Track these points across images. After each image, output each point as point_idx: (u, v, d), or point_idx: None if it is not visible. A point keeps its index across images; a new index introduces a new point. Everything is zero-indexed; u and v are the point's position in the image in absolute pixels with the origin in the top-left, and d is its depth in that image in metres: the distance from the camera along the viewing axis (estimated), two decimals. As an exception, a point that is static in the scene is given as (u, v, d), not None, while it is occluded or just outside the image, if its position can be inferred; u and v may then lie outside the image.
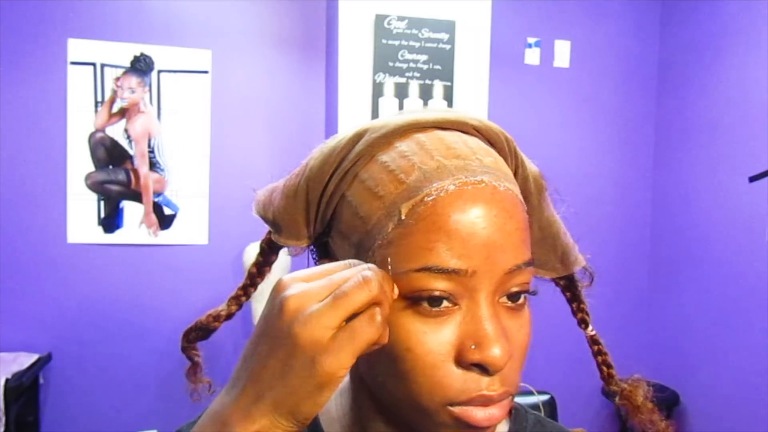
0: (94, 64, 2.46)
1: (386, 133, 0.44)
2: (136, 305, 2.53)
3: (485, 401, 0.40)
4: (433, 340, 0.40)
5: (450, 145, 0.43)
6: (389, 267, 0.40)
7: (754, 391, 2.38)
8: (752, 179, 2.31)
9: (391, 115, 0.48)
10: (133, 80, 2.49)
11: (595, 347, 0.56)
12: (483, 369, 0.39)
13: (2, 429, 2.04)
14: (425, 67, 2.12)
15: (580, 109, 2.98)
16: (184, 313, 2.57)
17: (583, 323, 0.55)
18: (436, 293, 0.39)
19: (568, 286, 0.55)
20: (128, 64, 2.49)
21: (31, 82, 2.41)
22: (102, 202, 2.49)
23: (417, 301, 0.40)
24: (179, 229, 2.57)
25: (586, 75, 2.96)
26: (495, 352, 0.39)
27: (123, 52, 2.48)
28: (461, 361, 0.40)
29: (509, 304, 0.42)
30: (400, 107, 2.11)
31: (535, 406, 0.68)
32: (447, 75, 2.14)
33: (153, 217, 2.54)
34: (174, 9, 2.54)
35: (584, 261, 0.52)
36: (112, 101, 2.48)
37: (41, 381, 2.40)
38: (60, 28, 2.42)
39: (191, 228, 2.58)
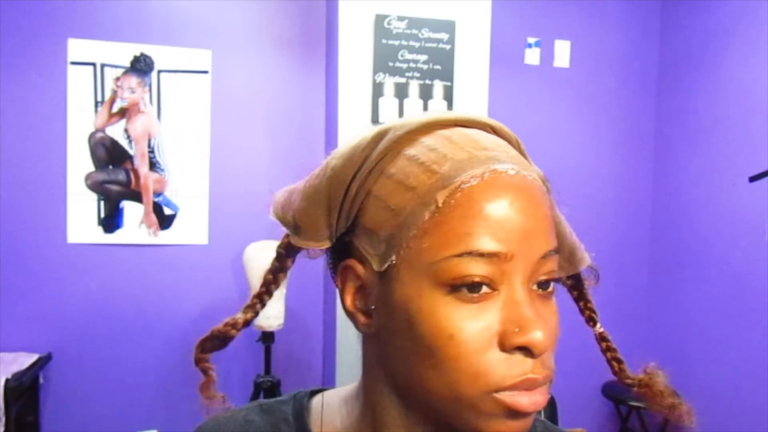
0: (94, 64, 2.46)
1: (410, 130, 0.45)
2: (136, 305, 2.53)
3: (530, 385, 0.40)
4: (476, 325, 0.40)
5: (476, 138, 0.44)
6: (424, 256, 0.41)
7: (754, 391, 2.38)
8: (752, 179, 2.31)
9: (411, 115, 0.48)
10: (133, 80, 2.49)
11: (604, 344, 0.56)
12: (527, 352, 0.40)
13: (2, 429, 2.04)
14: (425, 67, 2.12)
15: (580, 109, 2.98)
16: (184, 313, 2.57)
17: (591, 321, 0.56)
18: (477, 279, 0.40)
19: (575, 285, 0.55)
20: (128, 64, 2.49)
21: (31, 82, 2.41)
22: (102, 202, 2.49)
23: (457, 288, 0.40)
24: (179, 229, 2.57)
25: (586, 75, 2.96)
26: (538, 334, 0.39)
27: (123, 52, 2.48)
28: (505, 345, 0.40)
29: (540, 291, 0.43)
30: (400, 107, 2.11)
31: None
32: (447, 75, 2.14)
33: (153, 217, 2.54)
34: (174, 9, 2.54)
35: (590, 259, 0.53)
36: (112, 101, 2.48)
37: (41, 381, 2.40)
38: (60, 28, 2.42)
39: (191, 228, 2.58)
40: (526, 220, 0.41)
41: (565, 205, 0.51)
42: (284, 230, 0.51)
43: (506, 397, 0.40)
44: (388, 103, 2.09)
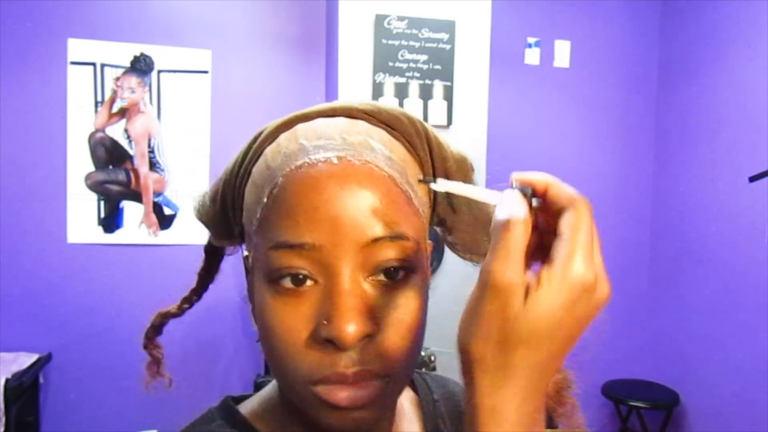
0: (94, 64, 2.46)
1: (273, 129, 0.47)
2: (136, 305, 2.53)
3: (339, 379, 0.39)
4: (292, 318, 0.40)
5: (318, 128, 0.44)
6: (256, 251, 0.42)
7: (754, 391, 2.38)
8: (752, 179, 2.31)
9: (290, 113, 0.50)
10: (133, 80, 2.49)
11: None
12: (335, 345, 0.39)
13: (2, 429, 2.04)
14: (425, 67, 2.12)
15: (580, 109, 2.98)
16: (184, 313, 2.57)
17: None
18: (293, 270, 0.40)
19: None
20: (128, 64, 2.49)
21: (31, 82, 2.41)
22: (102, 202, 2.49)
23: (277, 280, 0.40)
24: (179, 229, 2.57)
25: (586, 75, 2.96)
26: (343, 327, 0.38)
27: (123, 52, 2.48)
28: (316, 338, 0.39)
29: (386, 280, 0.41)
30: (400, 107, 2.11)
31: None
32: (447, 75, 2.14)
33: (153, 217, 2.54)
34: (174, 9, 2.54)
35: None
36: (112, 101, 2.48)
37: (41, 381, 2.40)
38: (60, 28, 2.42)
39: (191, 228, 2.57)
40: (338, 207, 0.39)
41: None
42: None
43: (321, 390, 0.40)
44: (388, 103, 2.09)
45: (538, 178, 0.37)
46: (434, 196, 0.49)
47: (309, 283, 0.40)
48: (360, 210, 0.40)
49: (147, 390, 0.61)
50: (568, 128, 2.97)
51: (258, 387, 2.35)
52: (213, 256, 0.58)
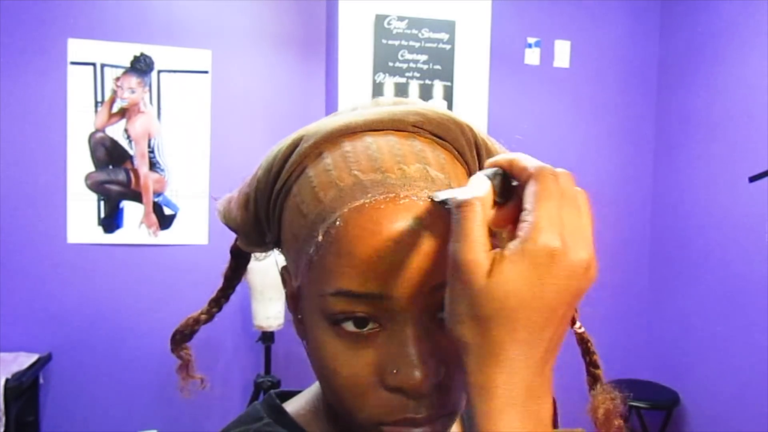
0: (94, 64, 2.46)
1: (316, 142, 0.43)
2: (136, 305, 2.53)
3: (410, 423, 0.40)
4: (357, 363, 0.39)
5: (373, 155, 0.41)
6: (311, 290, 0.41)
7: (754, 391, 2.38)
8: (752, 179, 2.31)
9: (328, 117, 0.46)
10: (133, 80, 2.49)
11: (583, 346, 0.54)
12: (405, 392, 0.39)
13: (2, 429, 2.04)
14: (425, 67, 2.12)
15: (580, 109, 2.98)
16: (184, 313, 2.57)
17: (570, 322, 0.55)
18: (356, 315, 0.39)
19: None
20: (128, 64, 2.49)
21: (31, 82, 2.41)
22: (102, 202, 2.49)
23: (339, 322, 0.39)
24: (179, 229, 2.57)
25: (586, 75, 2.96)
26: (414, 378, 0.38)
27: (123, 52, 2.48)
28: (385, 385, 0.39)
29: None
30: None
31: None
32: (447, 75, 2.14)
33: (153, 217, 2.54)
34: (174, 9, 2.54)
35: None
36: (112, 101, 2.48)
37: (41, 381, 2.40)
38: (60, 28, 2.42)
39: (191, 228, 2.58)
40: (403, 256, 0.37)
41: None
42: None
43: (391, 430, 0.40)
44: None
45: (503, 157, 0.37)
46: None
47: (372, 325, 0.39)
48: (427, 256, 0.38)
49: (183, 394, 0.61)
50: (568, 128, 2.97)
51: (258, 387, 2.35)
52: (240, 257, 0.56)
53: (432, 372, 0.38)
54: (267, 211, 0.46)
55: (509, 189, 0.37)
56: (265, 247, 0.50)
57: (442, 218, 0.38)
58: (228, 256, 0.59)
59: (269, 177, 0.45)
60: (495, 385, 0.34)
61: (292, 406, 0.52)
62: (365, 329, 0.39)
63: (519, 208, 0.35)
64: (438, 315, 0.39)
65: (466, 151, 0.45)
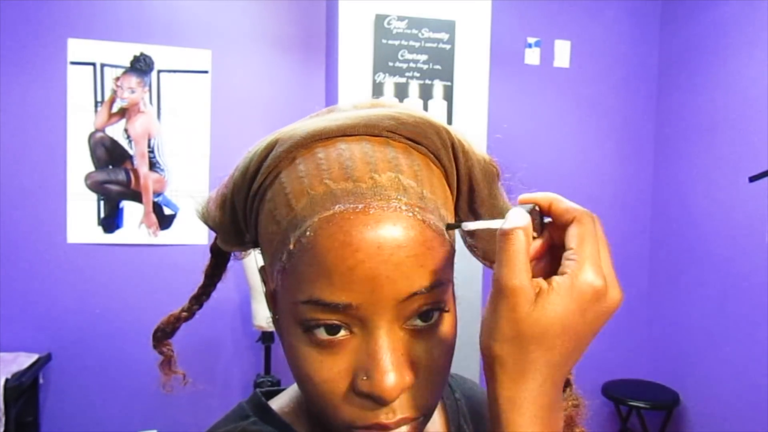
0: (94, 64, 2.46)
1: (290, 147, 0.42)
2: (136, 305, 2.53)
3: (381, 427, 0.40)
4: (329, 369, 0.40)
5: (345, 162, 0.40)
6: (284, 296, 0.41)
7: (754, 391, 2.38)
8: (752, 179, 2.31)
9: (303, 120, 0.46)
10: (133, 80, 2.49)
11: None
12: (376, 398, 0.39)
13: (2, 429, 2.04)
14: (425, 67, 2.12)
15: (580, 109, 2.98)
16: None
17: None
18: (327, 322, 0.39)
19: None
20: (128, 64, 2.49)
21: (31, 82, 2.41)
22: (102, 202, 2.49)
23: (311, 329, 0.40)
24: (179, 229, 2.57)
25: (586, 75, 2.96)
26: (385, 385, 0.38)
27: (123, 52, 2.48)
28: (356, 390, 0.40)
29: (420, 324, 0.41)
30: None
31: None
32: (447, 75, 2.14)
33: (153, 217, 2.54)
34: (174, 9, 2.54)
35: None
36: (112, 101, 2.48)
37: (41, 381, 2.40)
38: (60, 28, 2.42)
39: (191, 228, 2.58)
40: (375, 266, 0.37)
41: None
42: None
43: None
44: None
45: (542, 195, 0.41)
46: (455, 208, 0.48)
47: (344, 332, 0.40)
48: (399, 267, 0.38)
49: (165, 390, 0.61)
50: (568, 128, 2.97)
51: (258, 387, 2.35)
52: (220, 255, 0.57)
53: (402, 379, 0.39)
54: (244, 213, 0.47)
55: (542, 225, 0.41)
56: (244, 246, 0.51)
57: (415, 229, 0.39)
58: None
59: (245, 180, 0.45)
60: (525, 400, 0.37)
61: (276, 404, 0.53)
62: (337, 336, 0.40)
63: (548, 244, 0.41)
64: (409, 323, 0.41)
65: (443, 154, 0.45)
